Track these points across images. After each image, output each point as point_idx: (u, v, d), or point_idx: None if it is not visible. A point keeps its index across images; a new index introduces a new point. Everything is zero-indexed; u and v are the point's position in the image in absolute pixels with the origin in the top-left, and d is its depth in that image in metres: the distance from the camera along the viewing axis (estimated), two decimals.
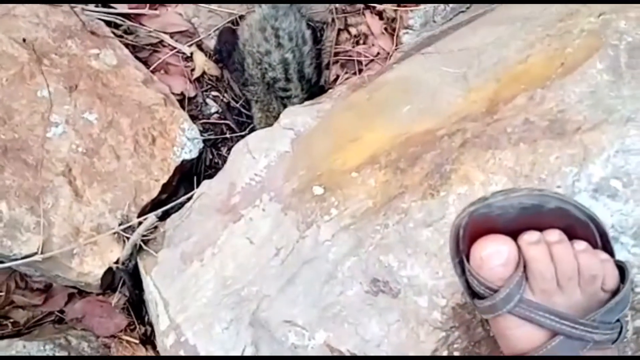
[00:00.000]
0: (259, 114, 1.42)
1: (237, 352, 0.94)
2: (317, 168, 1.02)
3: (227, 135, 1.44)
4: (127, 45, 1.35)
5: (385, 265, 0.86)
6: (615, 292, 0.68)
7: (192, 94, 1.43)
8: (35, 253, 1.06)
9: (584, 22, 0.89)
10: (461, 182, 0.84)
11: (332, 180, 0.98)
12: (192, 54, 1.43)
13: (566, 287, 0.67)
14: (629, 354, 0.81)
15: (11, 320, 1.19)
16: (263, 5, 1.34)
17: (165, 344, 0.99)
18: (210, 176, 1.21)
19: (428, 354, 0.83)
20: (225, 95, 1.48)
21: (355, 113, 1.09)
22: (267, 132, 1.17)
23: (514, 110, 0.86)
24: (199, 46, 1.45)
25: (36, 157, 1.12)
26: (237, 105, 1.48)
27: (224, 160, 1.21)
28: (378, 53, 1.44)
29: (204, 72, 1.45)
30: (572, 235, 0.67)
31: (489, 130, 0.85)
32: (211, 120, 1.45)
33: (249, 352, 0.93)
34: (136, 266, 1.15)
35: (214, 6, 1.42)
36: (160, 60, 1.40)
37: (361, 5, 1.45)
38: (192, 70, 1.44)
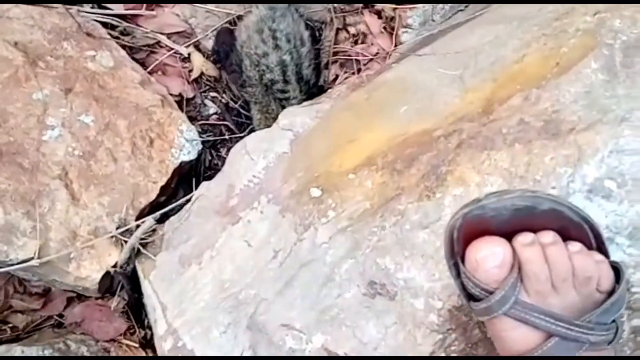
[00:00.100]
0: (258, 116, 1.41)
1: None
2: (315, 169, 1.01)
3: (226, 137, 1.44)
4: (123, 47, 1.35)
5: (382, 268, 0.86)
6: (610, 293, 0.68)
7: (190, 95, 1.43)
8: (32, 258, 1.06)
9: (580, 21, 0.88)
10: (457, 183, 0.84)
11: (330, 182, 0.97)
12: (189, 54, 1.43)
13: (561, 288, 0.66)
14: (627, 353, 0.80)
15: (10, 325, 1.19)
16: (260, 7, 1.34)
17: (164, 348, 0.99)
18: (210, 178, 1.21)
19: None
20: (224, 96, 1.48)
21: (354, 113, 1.09)
22: (266, 133, 1.17)
23: (509, 110, 0.85)
24: (197, 47, 1.45)
25: (32, 160, 1.12)
26: (236, 106, 1.47)
27: (224, 162, 1.20)
28: (377, 52, 1.44)
29: (202, 73, 1.44)
30: (566, 237, 0.67)
31: (485, 130, 0.85)
32: (210, 122, 1.45)
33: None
34: (135, 270, 1.15)
35: (211, 6, 1.42)
36: (157, 62, 1.40)
37: (360, 5, 1.45)
38: (190, 71, 1.43)
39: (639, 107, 0.77)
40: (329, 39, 1.45)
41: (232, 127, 1.45)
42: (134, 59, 1.35)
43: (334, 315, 0.88)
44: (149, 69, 1.37)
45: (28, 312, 1.21)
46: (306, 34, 1.37)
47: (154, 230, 1.15)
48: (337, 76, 1.45)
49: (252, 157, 1.12)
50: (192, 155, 1.27)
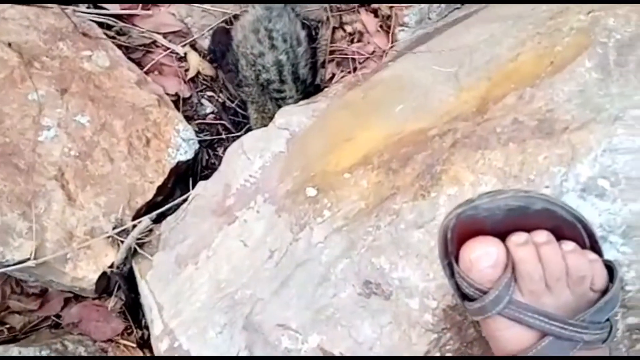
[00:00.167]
0: (254, 115, 1.41)
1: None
2: (311, 169, 1.01)
3: (223, 136, 1.44)
4: (119, 47, 1.34)
5: (377, 267, 0.86)
6: (604, 292, 0.68)
7: (187, 95, 1.42)
8: (28, 259, 1.06)
9: (574, 19, 0.88)
10: (451, 182, 0.84)
11: (326, 181, 0.97)
12: (186, 54, 1.42)
13: (555, 287, 0.66)
14: (623, 350, 0.80)
15: (7, 326, 1.19)
16: (256, 6, 1.33)
17: (160, 349, 0.99)
18: (207, 177, 1.20)
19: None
20: (221, 95, 1.47)
21: (350, 112, 1.09)
22: (262, 132, 1.17)
23: (503, 109, 0.85)
24: (193, 46, 1.44)
25: (28, 161, 1.12)
26: (233, 105, 1.47)
27: (221, 161, 1.20)
28: (374, 51, 1.43)
29: (198, 72, 1.44)
30: (559, 236, 0.67)
31: (479, 130, 0.85)
32: (207, 121, 1.44)
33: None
34: (131, 270, 1.15)
35: (207, 5, 1.42)
36: (153, 61, 1.40)
37: (356, 3, 1.44)
38: (187, 70, 1.43)
39: (632, 106, 0.77)
40: (326, 38, 1.45)
41: (229, 126, 1.45)
42: (130, 58, 1.35)
43: (330, 315, 0.88)
44: (145, 69, 1.37)
45: (25, 312, 1.21)
46: (302, 34, 1.36)
47: (150, 230, 1.15)
48: (333, 75, 1.45)
49: (248, 157, 1.12)
50: (189, 155, 1.26)
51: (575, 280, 0.66)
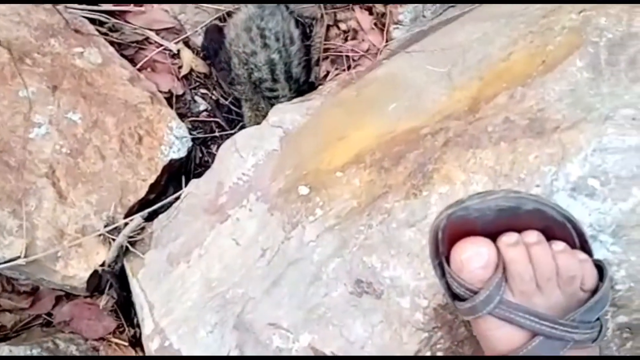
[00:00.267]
0: (249, 113, 1.41)
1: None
2: (303, 167, 1.01)
3: (217, 134, 1.43)
4: (112, 43, 1.34)
5: (369, 266, 0.86)
6: (594, 292, 0.68)
7: (180, 92, 1.42)
8: (19, 257, 1.05)
9: (566, 18, 0.88)
10: (443, 181, 0.84)
11: (318, 180, 0.97)
12: (179, 51, 1.42)
13: (545, 287, 0.67)
14: (613, 349, 0.80)
15: None
16: (249, 5, 1.33)
17: (150, 348, 0.99)
18: (200, 175, 1.20)
19: (411, 355, 0.82)
20: (214, 92, 1.47)
21: (344, 110, 1.09)
22: (255, 130, 1.17)
23: (495, 108, 0.85)
24: (186, 43, 1.44)
25: (18, 158, 1.12)
26: (227, 102, 1.47)
27: (214, 159, 1.20)
28: (368, 48, 1.43)
29: (191, 70, 1.43)
30: (550, 236, 0.67)
31: (471, 129, 0.85)
32: (200, 118, 1.44)
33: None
34: (123, 268, 1.15)
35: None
36: (146, 58, 1.39)
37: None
38: (180, 67, 1.42)
39: (622, 105, 0.77)
40: (320, 36, 1.44)
41: (223, 123, 1.45)
42: (122, 55, 1.34)
43: (321, 314, 0.88)
44: (138, 66, 1.36)
45: (16, 311, 1.21)
46: (296, 32, 1.35)
47: (142, 229, 1.15)
48: (327, 73, 1.44)
49: (241, 155, 1.11)
50: (182, 153, 1.26)
51: (566, 280, 0.67)
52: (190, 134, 1.31)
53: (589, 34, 0.84)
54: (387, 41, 1.40)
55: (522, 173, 0.78)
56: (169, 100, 1.36)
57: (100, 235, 1.12)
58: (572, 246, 0.68)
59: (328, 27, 1.45)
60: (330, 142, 1.02)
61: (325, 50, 1.45)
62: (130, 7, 1.39)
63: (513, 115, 0.82)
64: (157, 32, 1.41)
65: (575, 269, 0.67)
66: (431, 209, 0.83)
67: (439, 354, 0.83)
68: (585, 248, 0.69)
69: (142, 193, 1.19)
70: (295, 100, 1.26)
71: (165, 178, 1.25)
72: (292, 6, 1.40)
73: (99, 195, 1.15)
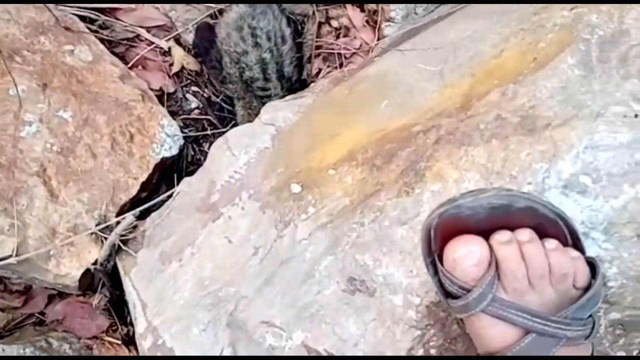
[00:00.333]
0: (241, 112, 1.40)
1: (215, 355, 0.94)
2: (295, 165, 1.01)
3: (209, 132, 1.43)
4: (102, 41, 1.33)
5: (362, 264, 0.86)
6: (586, 289, 0.69)
7: (172, 90, 1.41)
8: (10, 255, 1.05)
9: (557, 15, 0.88)
10: (435, 179, 0.84)
11: (310, 178, 0.97)
12: (170, 48, 1.41)
13: (538, 285, 0.67)
14: (606, 346, 0.81)
15: None
16: (240, 4, 1.32)
17: (143, 346, 0.99)
18: (192, 173, 1.19)
19: (404, 353, 0.83)
20: (206, 90, 1.46)
21: (336, 108, 1.09)
22: (248, 128, 1.16)
23: (487, 106, 0.85)
24: (177, 40, 1.43)
25: (9, 157, 1.11)
26: (218, 100, 1.46)
27: (206, 157, 1.19)
28: (360, 46, 1.43)
29: (183, 67, 1.43)
30: (542, 234, 0.67)
31: (463, 126, 0.85)
32: (192, 116, 1.43)
33: (226, 354, 0.93)
34: (115, 267, 1.14)
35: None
36: (137, 56, 1.38)
37: None
38: (171, 65, 1.42)
39: (614, 103, 0.77)
40: (312, 33, 1.44)
41: (215, 121, 1.44)
42: (113, 53, 1.33)
43: (314, 312, 0.88)
44: (129, 64, 1.35)
45: (9, 310, 1.20)
46: (287, 31, 1.35)
47: (134, 227, 1.14)
48: (320, 70, 1.44)
49: (233, 153, 1.11)
50: (174, 151, 1.26)
51: (558, 278, 0.67)
52: (182, 131, 1.31)
53: (581, 31, 0.84)
54: (378, 38, 1.40)
55: (514, 170, 0.78)
56: (160, 98, 1.35)
57: (92, 233, 1.12)
58: (564, 244, 0.69)
59: (320, 24, 1.44)
60: (323, 140, 1.02)
61: (317, 47, 1.45)
62: (121, 4, 1.38)
63: (505, 113, 0.82)
64: (148, 29, 1.40)
65: (567, 266, 0.67)
66: (423, 207, 0.83)
67: (432, 351, 0.83)
68: (578, 245, 0.70)
69: (133, 191, 1.18)
70: (287, 98, 1.26)
71: (157, 176, 1.25)
72: (283, 5, 1.39)
73: (90, 194, 1.14)
